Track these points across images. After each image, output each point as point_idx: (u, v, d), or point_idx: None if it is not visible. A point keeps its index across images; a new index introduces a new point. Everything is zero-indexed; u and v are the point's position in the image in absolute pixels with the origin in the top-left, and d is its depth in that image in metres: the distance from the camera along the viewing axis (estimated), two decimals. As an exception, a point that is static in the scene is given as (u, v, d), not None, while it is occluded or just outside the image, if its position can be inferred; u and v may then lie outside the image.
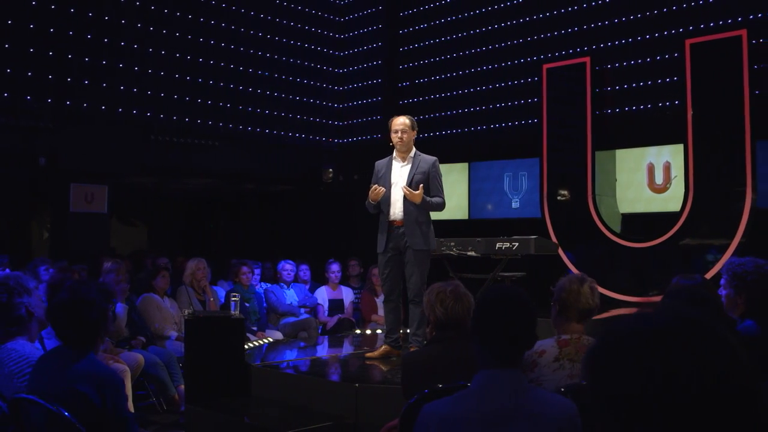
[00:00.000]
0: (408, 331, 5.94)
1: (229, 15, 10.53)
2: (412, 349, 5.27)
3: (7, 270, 6.86)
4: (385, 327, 6.00)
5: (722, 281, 3.90)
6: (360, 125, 12.02)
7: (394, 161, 5.85)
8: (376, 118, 11.81)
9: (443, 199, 5.75)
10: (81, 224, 8.99)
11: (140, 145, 9.38)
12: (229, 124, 10.49)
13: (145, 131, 9.40)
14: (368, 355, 5.87)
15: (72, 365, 2.85)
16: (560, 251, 8.39)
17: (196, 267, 7.35)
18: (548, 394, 2.26)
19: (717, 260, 7.95)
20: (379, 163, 5.97)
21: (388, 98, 11.69)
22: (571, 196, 9.14)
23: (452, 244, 6.59)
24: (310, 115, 11.70)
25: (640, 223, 9.02)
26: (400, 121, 5.77)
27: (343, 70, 12.19)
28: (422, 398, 3.15)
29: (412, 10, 11.57)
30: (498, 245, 6.42)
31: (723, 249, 7.93)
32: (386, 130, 11.63)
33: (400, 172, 5.79)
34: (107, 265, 7.01)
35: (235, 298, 5.94)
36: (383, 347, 5.87)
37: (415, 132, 5.86)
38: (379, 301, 8.66)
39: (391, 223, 5.73)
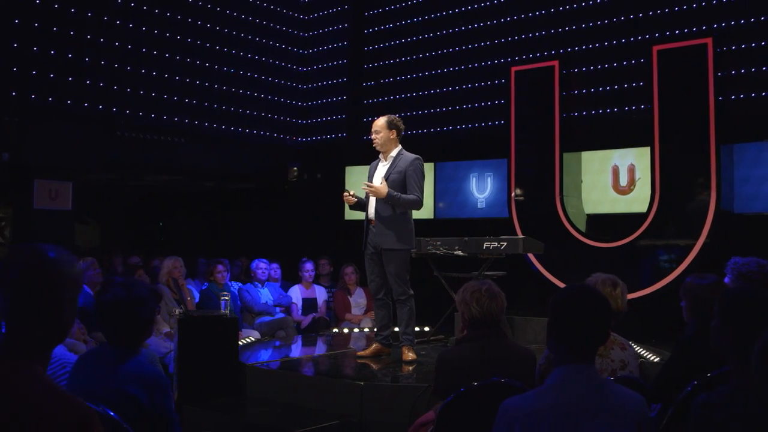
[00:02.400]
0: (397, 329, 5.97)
1: (195, 11, 10.38)
2: (446, 347, 5.28)
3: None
4: (375, 325, 6.01)
5: (726, 280, 4.08)
6: (324, 124, 11.99)
7: (380, 161, 5.92)
8: (341, 117, 11.81)
9: (418, 196, 5.68)
10: (45, 221, 8.73)
11: (106, 141, 9.16)
12: (195, 120, 10.34)
13: (111, 127, 9.18)
14: (360, 353, 5.90)
15: (120, 366, 2.79)
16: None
17: (173, 266, 7.24)
18: (621, 388, 2.34)
19: (681, 261, 8.25)
20: (372, 164, 6.03)
21: (352, 97, 11.71)
22: (537, 196, 9.31)
23: (438, 243, 6.66)
24: (275, 113, 11.63)
25: (604, 224, 9.26)
26: (376, 122, 5.86)
27: (307, 69, 12.15)
28: (459, 396, 3.21)
29: (378, 10, 11.61)
30: (486, 245, 6.52)
31: (688, 249, 8.21)
32: (351, 129, 11.71)
33: (380, 171, 5.86)
34: (81, 263, 6.85)
35: (225, 297, 5.88)
36: (374, 346, 5.91)
37: (394, 131, 5.87)
38: (353, 300, 8.70)
39: (368, 222, 5.78)
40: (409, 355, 5.66)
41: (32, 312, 1.78)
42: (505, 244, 6.45)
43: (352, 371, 5.38)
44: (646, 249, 8.52)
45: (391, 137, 5.81)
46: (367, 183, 5.65)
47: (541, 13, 9.81)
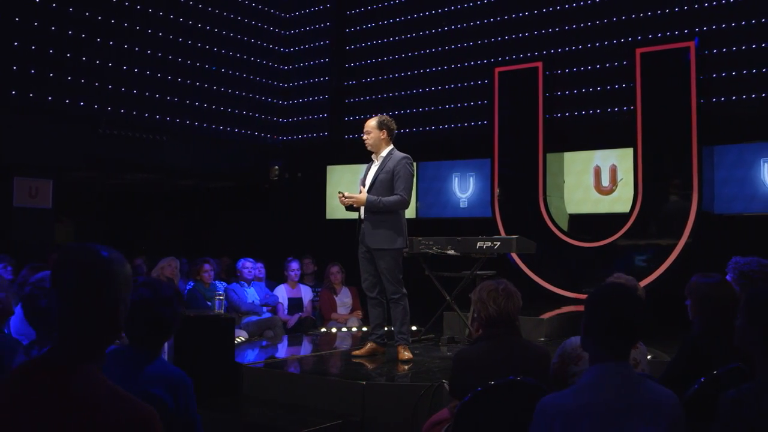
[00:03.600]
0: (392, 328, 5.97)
1: (178, 8, 10.30)
2: (463, 347, 5.26)
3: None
4: (369, 324, 6.01)
5: (728, 278, 4.16)
6: (306, 123, 11.96)
7: (372, 161, 5.93)
8: (323, 116, 11.78)
9: (402, 196, 5.64)
10: (25, 220, 8.59)
11: (88, 139, 9.04)
12: (177, 118, 10.25)
13: (93, 124, 9.06)
14: (355, 353, 5.89)
15: (144, 367, 2.75)
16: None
17: (167, 265, 7.17)
18: (654, 385, 2.38)
19: (663, 261, 8.39)
20: (367, 165, 6.03)
21: (334, 96, 11.69)
22: (520, 196, 9.38)
23: (431, 242, 6.68)
24: (256, 111, 11.57)
25: (586, 224, 9.37)
26: (367, 123, 5.85)
27: (289, 67, 12.10)
28: (478, 395, 3.23)
29: (360, 9, 11.60)
30: (479, 244, 6.55)
31: (670, 249, 8.35)
32: (333, 129, 11.68)
33: (371, 171, 5.86)
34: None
35: (220, 297, 5.84)
36: (369, 345, 5.90)
37: (385, 131, 5.85)
38: (338, 299, 8.69)
39: (360, 222, 5.79)
40: (405, 354, 5.67)
41: (88, 313, 1.75)
42: (499, 243, 6.49)
43: (350, 371, 5.36)
44: (628, 248, 8.64)
45: (382, 137, 5.80)
46: (343, 193, 5.68)
47: (525, 14, 9.90)
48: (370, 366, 5.56)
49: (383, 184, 5.66)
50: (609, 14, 9.17)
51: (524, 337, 6.17)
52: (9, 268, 6.61)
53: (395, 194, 5.65)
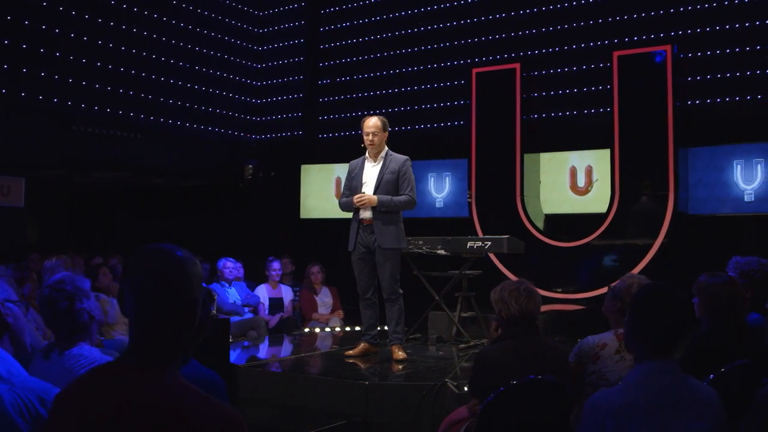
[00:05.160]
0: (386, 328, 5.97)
1: (153, 4, 10.15)
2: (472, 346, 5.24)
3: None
4: (362, 325, 5.99)
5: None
6: (280, 122, 11.87)
7: (366, 161, 5.89)
8: (297, 115, 11.72)
9: (411, 197, 5.76)
10: (-4, 218, 8.38)
11: (61, 136, 8.84)
12: (150, 116, 10.08)
13: (67, 121, 8.86)
14: (348, 353, 5.88)
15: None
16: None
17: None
18: (697, 381, 2.44)
19: (639, 260, 8.55)
20: (353, 163, 6.00)
21: (308, 95, 11.63)
22: (497, 196, 9.45)
23: (420, 242, 6.69)
24: (230, 110, 11.45)
25: (562, 224, 9.49)
26: (371, 123, 5.81)
27: (262, 65, 12.00)
28: (501, 395, 3.25)
29: (334, 8, 11.56)
30: (470, 244, 6.59)
31: (646, 249, 8.51)
32: (307, 128, 11.62)
33: (371, 172, 5.84)
34: (51, 262, 6.60)
35: (213, 296, 5.75)
36: (362, 345, 5.89)
37: (387, 133, 5.91)
38: (319, 299, 8.65)
39: (361, 222, 5.77)
40: (399, 354, 5.68)
41: (168, 315, 1.72)
42: (490, 243, 6.53)
43: (352, 371, 5.34)
44: (606, 248, 8.78)
45: (384, 139, 5.84)
46: (359, 196, 5.65)
47: (502, 15, 9.97)
48: (369, 366, 5.54)
49: (389, 184, 5.67)
50: (587, 17, 9.30)
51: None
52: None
53: (404, 194, 5.71)
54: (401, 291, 5.76)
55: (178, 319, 1.73)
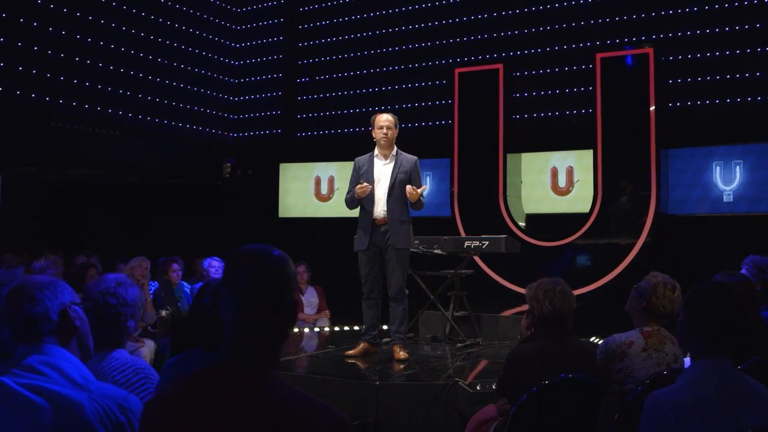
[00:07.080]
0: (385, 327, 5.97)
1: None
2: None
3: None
4: (363, 324, 5.97)
5: (743, 271, 4.39)
6: (259, 120, 11.76)
7: (375, 158, 5.83)
8: (276, 113, 11.63)
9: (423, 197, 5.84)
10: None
11: (40, 132, 8.63)
12: (129, 113, 9.91)
13: (45, 117, 8.65)
14: (348, 353, 5.86)
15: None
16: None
17: (137, 265, 6.93)
18: (751, 378, 2.49)
19: (622, 259, 8.68)
20: (360, 160, 5.93)
21: (287, 93, 11.55)
22: (480, 196, 9.51)
23: (416, 242, 6.69)
24: (208, 107, 11.31)
25: (544, 223, 9.58)
26: (385, 118, 5.78)
27: (241, 63, 11.88)
28: (533, 395, 3.27)
29: (314, 6, 11.49)
30: (467, 244, 6.62)
31: (629, 248, 8.64)
32: (286, 126, 11.52)
33: (382, 170, 5.79)
34: (40, 263, 6.47)
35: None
36: (362, 345, 5.87)
37: (398, 130, 5.89)
38: (305, 299, 8.60)
39: (374, 222, 5.74)
40: (401, 354, 5.67)
41: (269, 316, 1.69)
42: (487, 243, 6.57)
43: (361, 371, 5.32)
44: (588, 247, 8.89)
45: (396, 135, 5.83)
46: (413, 187, 5.62)
47: (485, 16, 10.02)
48: (372, 366, 5.52)
49: (402, 184, 5.66)
50: (570, 19, 9.40)
51: (501, 335, 6.28)
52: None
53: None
54: (407, 291, 5.78)
55: (281, 319, 1.71)
